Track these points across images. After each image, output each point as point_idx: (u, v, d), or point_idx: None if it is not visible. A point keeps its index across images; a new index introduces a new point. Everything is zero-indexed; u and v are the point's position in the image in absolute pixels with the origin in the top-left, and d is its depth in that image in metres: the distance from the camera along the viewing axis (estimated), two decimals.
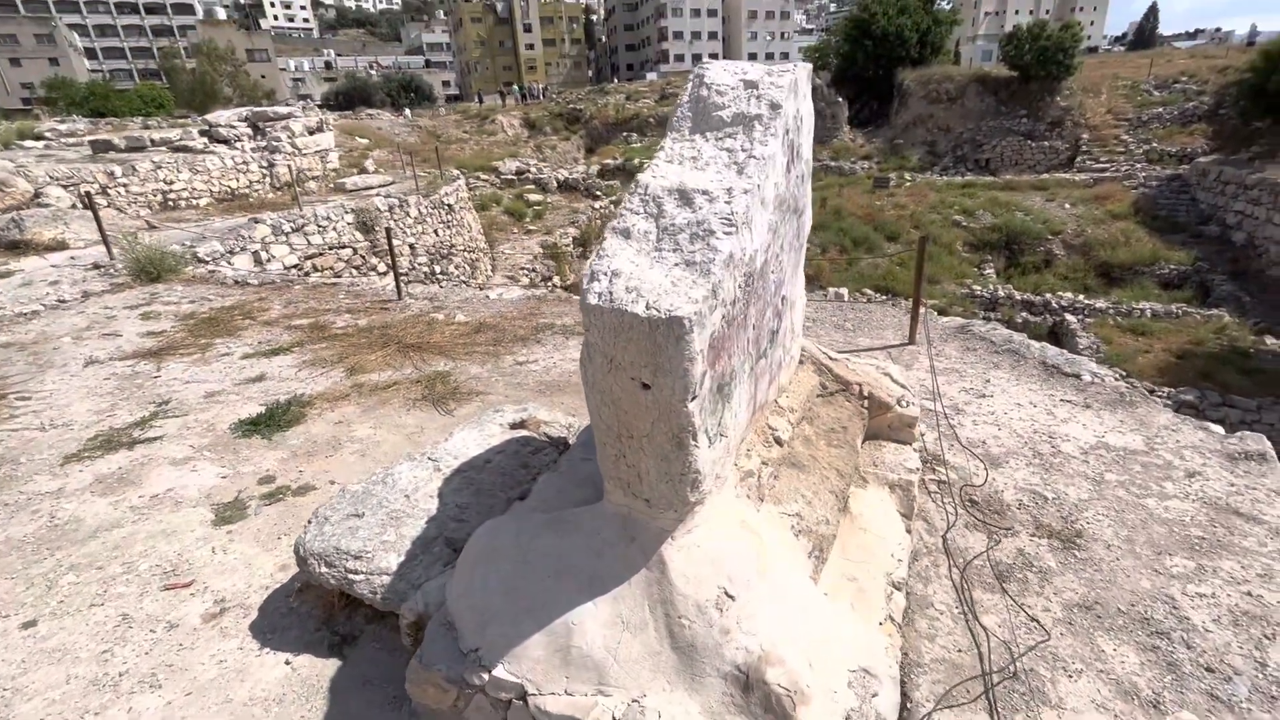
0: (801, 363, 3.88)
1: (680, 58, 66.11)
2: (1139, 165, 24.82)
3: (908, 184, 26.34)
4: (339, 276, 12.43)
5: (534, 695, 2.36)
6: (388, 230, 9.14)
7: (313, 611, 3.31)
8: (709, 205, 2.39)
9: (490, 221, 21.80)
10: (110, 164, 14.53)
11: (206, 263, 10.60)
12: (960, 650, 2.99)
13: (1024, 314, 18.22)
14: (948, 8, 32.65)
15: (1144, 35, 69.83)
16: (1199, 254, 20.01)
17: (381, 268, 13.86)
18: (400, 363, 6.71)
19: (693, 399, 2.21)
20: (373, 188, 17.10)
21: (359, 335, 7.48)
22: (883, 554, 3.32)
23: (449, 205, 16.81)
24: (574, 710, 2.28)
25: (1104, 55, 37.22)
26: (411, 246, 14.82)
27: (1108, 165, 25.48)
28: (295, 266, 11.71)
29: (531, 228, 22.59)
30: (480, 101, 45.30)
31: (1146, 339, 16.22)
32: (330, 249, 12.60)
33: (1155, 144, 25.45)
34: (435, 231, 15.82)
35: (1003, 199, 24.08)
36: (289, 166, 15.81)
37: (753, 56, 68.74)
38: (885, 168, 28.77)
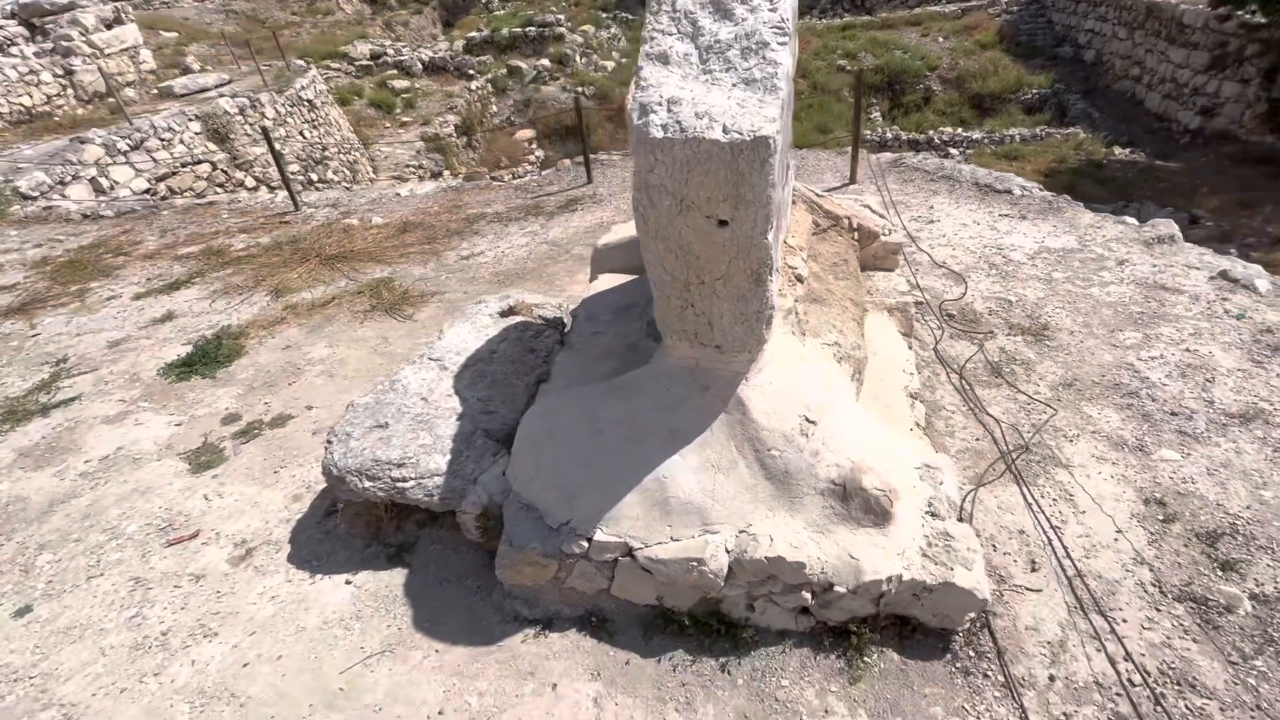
0: (794, 202, 3.85)
1: None
2: None
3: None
4: (201, 197, 10.76)
5: (641, 549, 2.41)
6: (265, 132, 7.85)
7: (354, 530, 3.15)
8: (752, 15, 2.17)
9: (356, 117, 19.36)
10: None
11: (34, 198, 8.79)
12: (978, 439, 3.33)
13: (910, 152, 18.96)
14: None
15: None
16: (1056, 76, 21.30)
17: (250, 182, 12.11)
18: (329, 276, 6.07)
19: (770, 229, 2.13)
20: (208, 89, 14.47)
21: (268, 254, 6.64)
22: (895, 371, 3.54)
23: (309, 101, 14.62)
24: (686, 552, 2.36)
25: None
26: (277, 153, 12.92)
27: None
28: (147, 191, 9.93)
29: (405, 119, 20.33)
30: None
31: (1019, 163, 17.50)
32: (184, 166, 10.74)
33: None
34: (301, 134, 13.84)
35: (881, 38, 24.16)
36: (99, 70, 12.92)
37: None
38: None
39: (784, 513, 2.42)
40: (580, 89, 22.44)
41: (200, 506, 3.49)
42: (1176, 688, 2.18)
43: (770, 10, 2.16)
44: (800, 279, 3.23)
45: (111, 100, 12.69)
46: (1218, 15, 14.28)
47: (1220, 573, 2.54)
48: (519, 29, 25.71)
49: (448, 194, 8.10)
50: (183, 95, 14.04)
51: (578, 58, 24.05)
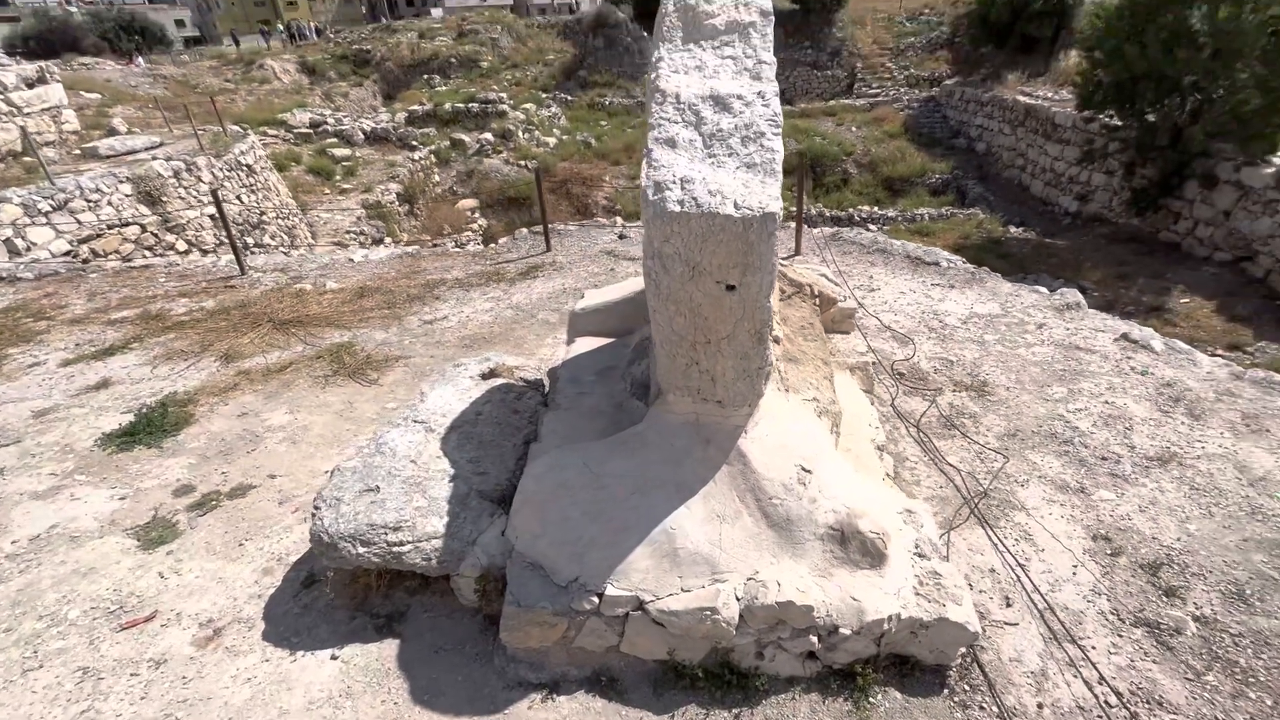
0: None
1: None
2: (903, 89, 28.59)
3: None
4: (129, 260, 10.25)
5: (652, 602, 2.45)
6: (215, 195, 7.67)
7: (336, 603, 3.00)
8: (748, 109, 2.46)
9: (294, 183, 19.15)
10: None
11: None
12: (942, 487, 3.60)
13: (845, 228, 20.49)
14: None
15: None
16: (955, 163, 23.84)
17: (182, 245, 11.64)
18: (284, 341, 5.90)
19: (771, 294, 2.35)
20: (138, 151, 14.04)
21: (214, 319, 6.39)
22: (861, 425, 3.80)
23: (248, 166, 14.41)
24: (699, 602, 2.42)
25: None
26: (213, 217, 12.56)
27: (879, 91, 28.98)
28: (68, 253, 9.37)
29: (346, 186, 20.26)
30: (237, 44, 38.46)
31: (930, 238, 19.23)
32: (111, 228, 10.23)
33: (912, 70, 29.43)
34: (239, 198, 13.52)
35: (802, 126, 26.41)
36: (19, 128, 12.29)
37: None
38: None
39: (788, 558, 2.54)
40: (524, 163, 23.17)
41: (155, 585, 3.24)
42: (1147, 706, 2.39)
43: (764, 106, 2.47)
44: (777, 340, 3.48)
45: (28, 159, 12.10)
46: (1083, 117, 16.57)
47: (1165, 599, 2.82)
48: (462, 104, 26.49)
49: (404, 260, 8.11)
50: (109, 156, 13.56)
51: (520, 133, 24.92)
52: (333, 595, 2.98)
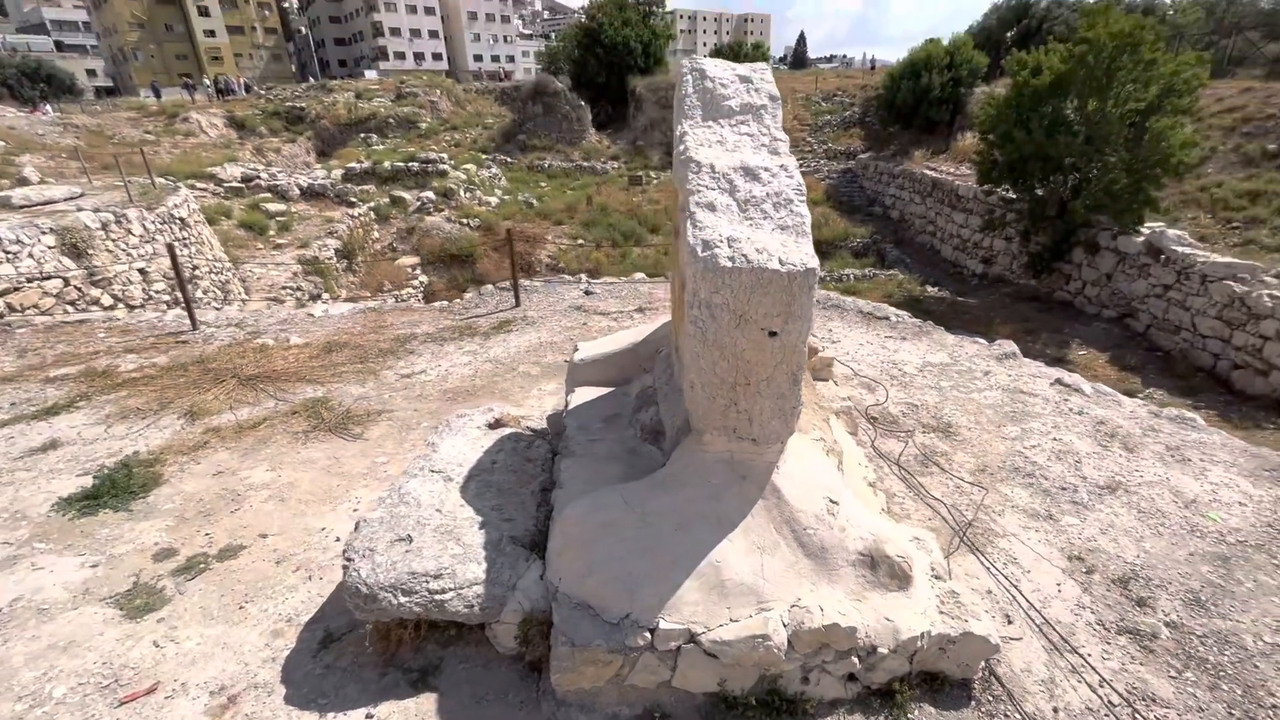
0: None
1: (401, 55, 62.17)
2: (822, 161, 31.11)
3: (655, 182, 29.10)
4: (49, 314, 9.54)
5: (704, 633, 2.56)
6: (170, 247, 7.36)
7: (361, 660, 2.90)
8: (774, 180, 2.80)
9: (225, 237, 18.44)
10: None
11: None
12: (929, 519, 3.90)
13: None
14: (661, 24, 36.50)
15: (799, 58, 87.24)
16: (873, 229, 25.90)
17: (107, 300, 10.93)
18: (252, 397, 5.68)
19: (807, 339, 2.62)
20: (56, 201, 13.24)
21: (169, 376, 6.07)
22: (853, 464, 4.10)
23: (181, 219, 13.84)
24: (749, 631, 2.55)
25: (775, 73, 45.16)
26: (143, 271, 11.91)
27: (801, 162, 31.36)
28: None
29: (280, 242, 19.68)
30: (158, 96, 37.19)
31: (857, 296, 20.69)
32: (31, 281, 9.52)
33: (830, 144, 32.16)
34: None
35: None
36: None
37: (478, 59, 68.02)
38: (633, 167, 31.30)
39: (825, 585, 2.72)
40: (466, 220, 23.34)
41: (151, 656, 3.02)
42: (1144, 703, 2.68)
43: (788, 177, 2.81)
44: None
45: None
46: (983, 191, 18.57)
47: (1138, 608, 3.18)
48: (401, 163, 26.56)
49: (367, 315, 8.00)
50: (23, 206, 12.73)
51: (462, 192, 25.19)
52: (331, 659, 2.88)
